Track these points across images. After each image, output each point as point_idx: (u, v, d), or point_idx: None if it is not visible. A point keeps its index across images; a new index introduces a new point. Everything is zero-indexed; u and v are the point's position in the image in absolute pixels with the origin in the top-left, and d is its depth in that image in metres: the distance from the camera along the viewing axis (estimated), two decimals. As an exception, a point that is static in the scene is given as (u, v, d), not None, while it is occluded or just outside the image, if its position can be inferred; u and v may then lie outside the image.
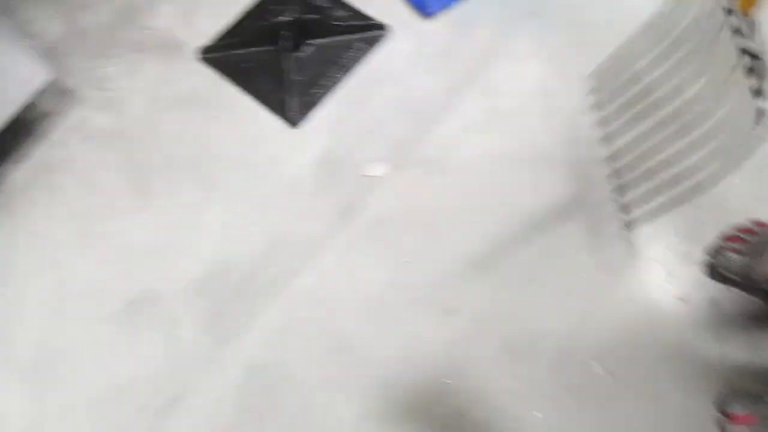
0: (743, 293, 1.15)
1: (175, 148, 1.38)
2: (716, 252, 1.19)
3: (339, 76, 1.42)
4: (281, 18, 1.33)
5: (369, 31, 1.47)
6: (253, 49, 1.45)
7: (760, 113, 0.92)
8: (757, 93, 0.92)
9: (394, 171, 1.32)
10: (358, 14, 1.50)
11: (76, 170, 1.38)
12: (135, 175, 1.36)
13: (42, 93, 1.37)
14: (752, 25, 0.91)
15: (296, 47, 1.44)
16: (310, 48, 1.44)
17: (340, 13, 1.49)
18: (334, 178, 1.32)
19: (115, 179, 1.36)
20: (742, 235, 1.18)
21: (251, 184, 1.33)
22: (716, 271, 1.17)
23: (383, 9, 1.51)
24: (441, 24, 1.48)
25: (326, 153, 1.35)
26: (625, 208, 1.23)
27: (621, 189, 1.24)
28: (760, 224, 1.19)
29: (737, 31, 0.93)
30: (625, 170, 1.24)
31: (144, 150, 1.39)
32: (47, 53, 1.52)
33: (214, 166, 1.36)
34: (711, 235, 1.21)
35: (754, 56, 0.92)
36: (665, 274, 1.18)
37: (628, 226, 1.22)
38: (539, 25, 1.46)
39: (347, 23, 1.48)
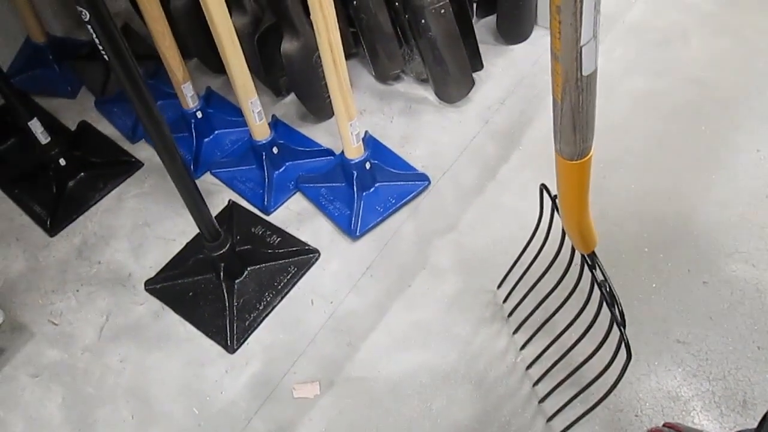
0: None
1: (119, 379, 1.46)
2: (632, 456, 1.24)
3: (274, 299, 1.54)
4: (218, 252, 1.47)
5: (302, 255, 1.61)
6: (195, 278, 1.58)
7: (621, 341, 1.02)
8: (618, 322, 1.03)
9: (323, 392, 1.39)
10: (291, 239, 1.65)
11: (22, 405, 1.44)
12: (78, 410, 1.42)
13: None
14: (593, 259, 1.04)
15: (235, 275, 1.57)
16: (248, 274, 1.57)
17: (275, 239, 1.65)
18: (267, 401, 1.39)
19: (59, 416, 1.41)
20: (655, 439, 1.23)
21: (189, 413, 1.39)
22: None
23: (314, 234, 1.67)
24: (365, 243, 1.63)
25: (260, 377, 1.43)
26: (549, 417, 1.30)
27: (543, 397, 1.31)
28: (673, 427, 1.24)
29: (591, 267, 1.06)
30: (545, 377, 1.32)
31: (89, 383, 1.46)
32: (7, 291, 1.64)
33: (154, 397, 1.42)
34: (630, 438, 1.27)
35: (602, 286, 1.04)
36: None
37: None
38: (455, 239, 1.61)
39: (282, 249, 1.62)
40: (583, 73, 0.72)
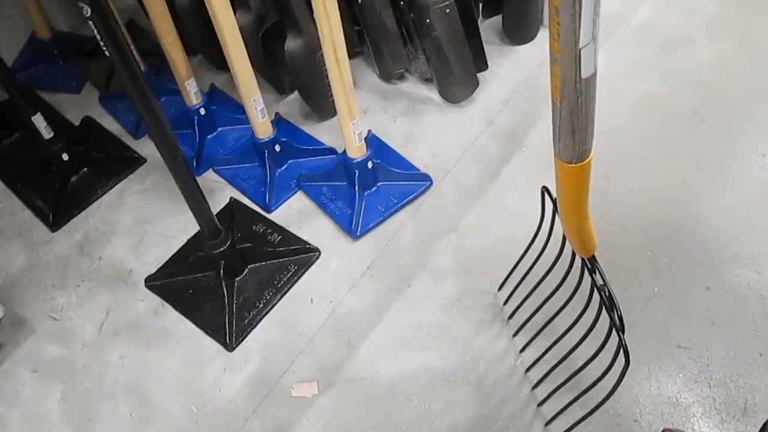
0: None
1: (118, 376, 1.46)
2: (630, 461, 1.23)
3: (273, 298, 1.53)
4: (219, 249, 1.46)
5: (303, 254, 1.60)
6: (195, 275, 1.58)
7: (620, 347, 1.01)
8: (617, 327, 1.02)
9: (322, 391, 1.39)
10: (292, 238, 1.64)
11: (21, 402, 1.44)
12: (77, 406, 1.42)
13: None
14: (593, 263, 1.03)
15: (235, 272, 1.56)
16: (248, 272, 1.57)
17: (276, 237, 1.64)
18: (265, 400, 1.39)
19: (57, 412, 1.42)
20: (653, 443, 1.22)
21: (187, 411, 1.39)
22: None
23: (315, 233, 1.66)
24: (366, 243, 1.62)
25: (259, 375, 1.43)
26: (548, 421, 1.29)
27: (542, 400, 1.31)
28: (671, 432, 1.24)
29: (591, 271, 1.05)
30: (545, 380, 1.31)
31: (88, 379, 1.46)
32: (8, 286, 1.65)
33: (153, 394, 1.42)
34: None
35: (602, 290, 1.03)
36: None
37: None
38: (456, 239, 1.60)
39: (283, 247, 1.62)
40: (582, 76, 0.71)
